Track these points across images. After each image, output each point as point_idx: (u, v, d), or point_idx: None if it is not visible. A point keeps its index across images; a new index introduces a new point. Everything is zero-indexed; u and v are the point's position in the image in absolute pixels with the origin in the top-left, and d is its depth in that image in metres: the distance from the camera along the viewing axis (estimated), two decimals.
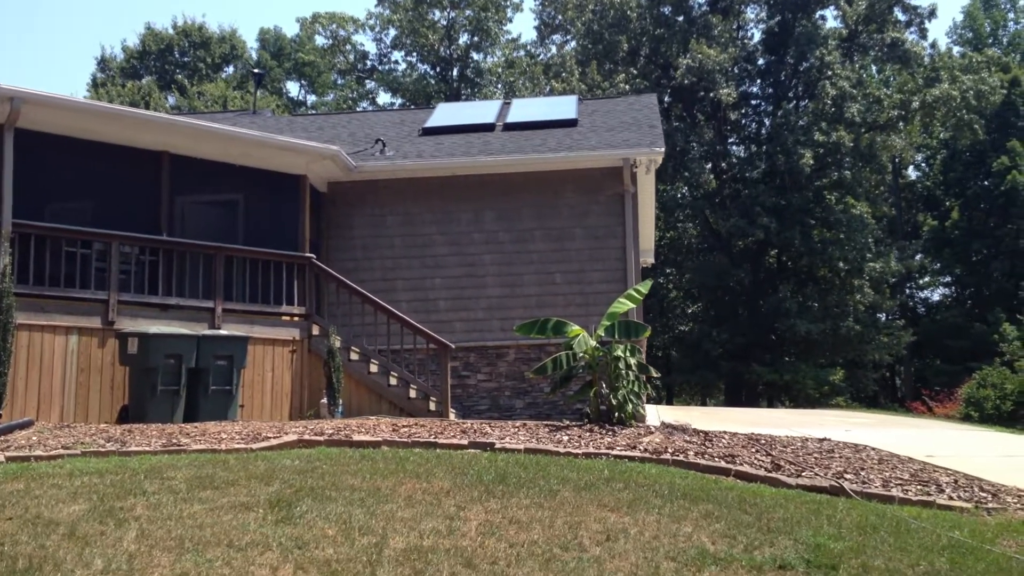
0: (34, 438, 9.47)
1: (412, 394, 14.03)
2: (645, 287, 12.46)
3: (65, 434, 9.76)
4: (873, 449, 10.49)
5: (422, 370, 14.39)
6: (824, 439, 11.18)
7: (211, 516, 6.31)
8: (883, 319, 41.84)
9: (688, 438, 10.28)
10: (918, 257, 43.82)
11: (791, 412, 22.24)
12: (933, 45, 43.66)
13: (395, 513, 6.48)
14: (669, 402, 41.40)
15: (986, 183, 45.11)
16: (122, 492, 6.95)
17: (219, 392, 12.31)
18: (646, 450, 9.37)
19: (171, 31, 53.77)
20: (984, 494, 8.11)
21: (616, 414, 11.11)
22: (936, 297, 50.46)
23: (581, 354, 11.45)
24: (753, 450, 9.75)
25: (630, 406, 11.17)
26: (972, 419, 22.09)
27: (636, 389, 11.30)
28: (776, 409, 30.89)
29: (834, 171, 38.82)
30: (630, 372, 11.32)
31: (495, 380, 15.87)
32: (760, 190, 37.12)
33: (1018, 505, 7.77)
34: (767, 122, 41.92)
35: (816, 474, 8.62)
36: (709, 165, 40.57)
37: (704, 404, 44.63)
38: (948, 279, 48.38)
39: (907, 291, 48.57)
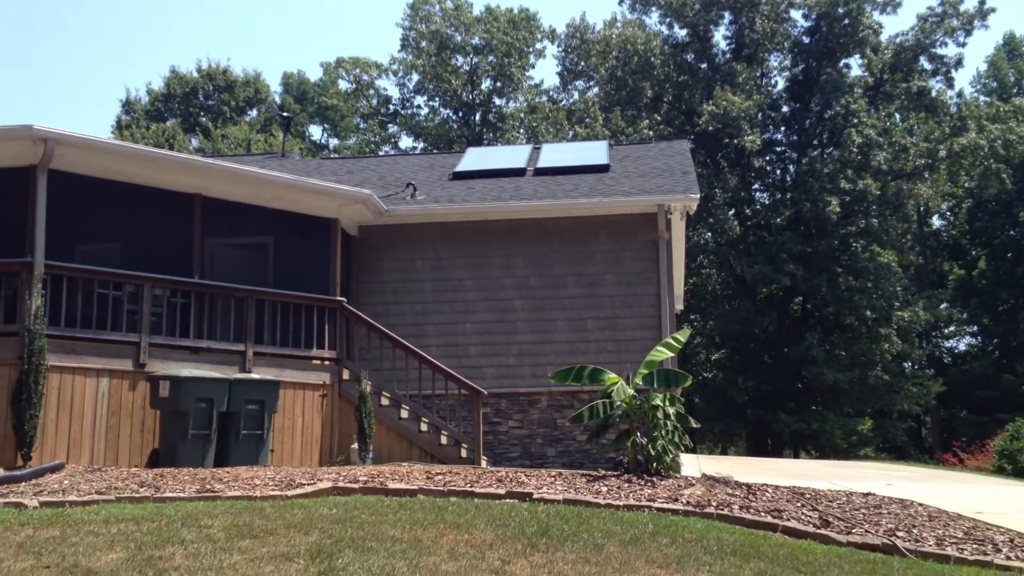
0: (66, 482, 9.34)
1: (443, 440, 13.85)
2: (684, 335, 12.28)
3: (97, 478, 9.63)
4: (920, 504, 10.23)
5: (452, 416, 14.21)
6: (869, 493, 10.92)
7: (252, 567, 6.14)
8: (910, 368, 41.39)
9: (731, 491, 10.04)
10: (944, 306, 43.41)
11: (827, 464, 21.88)
12: (959, 94, 43.60)
13: (439, 567, 6.30)
14: (692, 451, 40.91)
15: (1012, 232, 44.80)
16: (160, 540, 6.80)
17: (250, 436, 12.16)
18: (688, 503, 9.14)
19: (196, 74, 54.32)
20: None
21: (654, 464, 10.89)
22: (962, 347, 49.98)
23: (619, 403, 11.26)
24: (799, 504, 9.51)
25: (669, 457, 10.96)
26: (1005, 471, 21.67)
27: (675, 439, 11.09)
28: (810, 460, 30.47)
29: (861, 219, 38.62)
30: (668, 422, 11.12)
31: (527, 427, 15.66)
32: (786, 237, 36.93)
33: None
34: (792, 169, 41.82)
35: (867, 531, 8.37)
36: (733, 211, 40.45)
37: (725, 453, 44.13)
38: (975, 328, 47.89)
39: (934, 340, 48.10)
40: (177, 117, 52.49)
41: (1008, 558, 7.71)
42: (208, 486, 9.29)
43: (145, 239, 13.81)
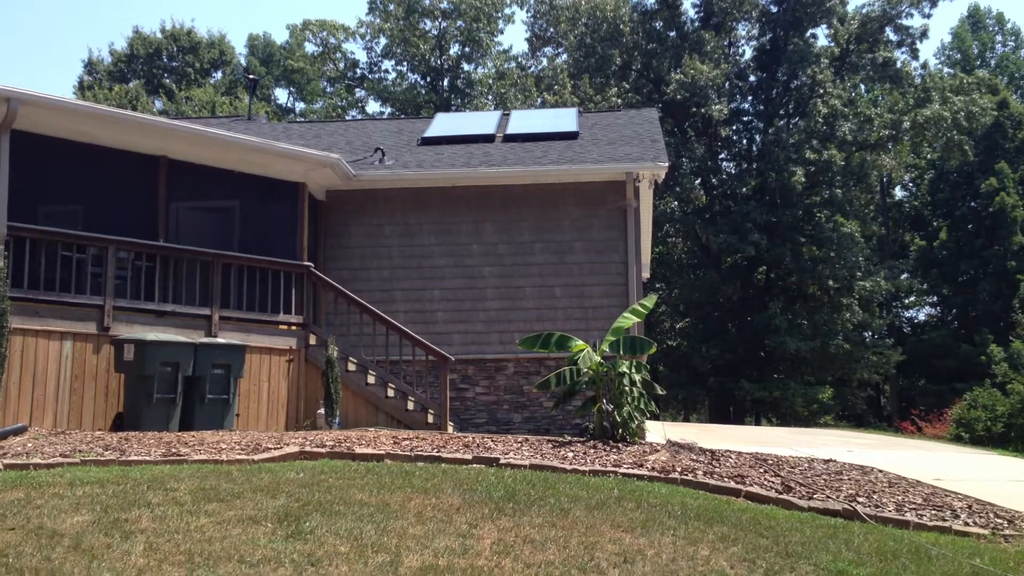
0: (30, 445, 9.27)
1: (410, 406, 13.87)
2: (650, 302, 12.32)
3: (61, 441, 9.57)
4: (880, 471, 10.40)
5: (420, 382, 14.23)
6: (830, 460, 11.09)
7: (219, 530, 6.15)
8: (871, 337, 41.93)
9: (695, 457, 10.16)
10: (905, 276, 43.96)
11: (789, 431, 22.16)
12: (924, 66, 43.93)
13: (406, 530, 6.34)
14: (657, 418, 41.27)
15: (974, 204, 45.35)
16: (126, 503, 6.78)
17: (215, 401, 12.11)
18: (653, 468, 9.23)
19: (159, 35, 53.45)
20: (1000, 520, 8.01)
21: (619, 431, 10.97)
22: (922, 317, 50.63)
23: (585, 370, 11.31)
24: (761, 471, 9.64)
25: (634, 423, 11.05)
26: (963, 440, 22.04)
27: (641, 406, 11.17)
28: (772, 428, 30.84)
29: (825, 189, 38.95)
30: (635, 389, 11.19)
31: (494, 394, 15.72)
32: (751, 207, 37.17)
33: None
34: (758, 139, 42.02)
35: (828, 496, 8.51)
36: (699, 181, 40.61)
37: (688, 420, 44.55)
38: (935, 299, 48.54)
39: (894, 310, 48.70)
40: (140, 78, 51.69)
41: (966, 524, 7.87)
42: (174, 450, 9.26)
43: (109, 201, 13.65)
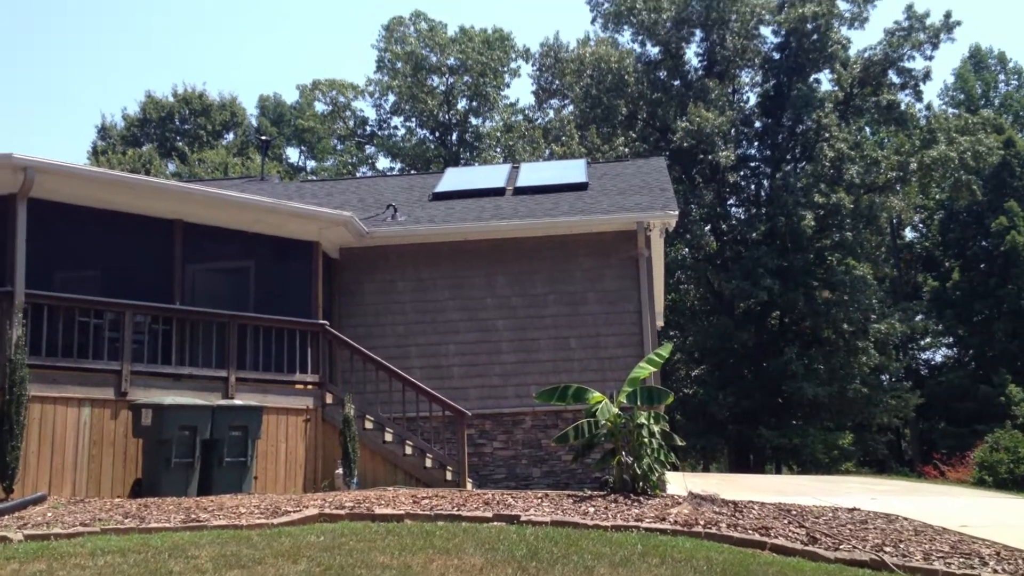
0: (49, 514, 9.24)
1: (428, 463, 13.80)
2: (666, 351, 12.30)
3: (80, 509, 9.54)
4: (906, 519, 10.28)
5: (437, 438, 14.17)
6: (854, 508, 10.97)
7: None
8: (888, 381, 41.60)
9: (717, 509, 10.06)
10: (920, 318, 43.72)
11: (811, 479, 21.95)
12: (928, 107, 44.13)
13: None
14: (677, 468, 40.95)
15: (984, 243, 45.20)
16: (147, 572, 6.75)
17: (234, 464, 12.08)
18: (675, 522, 9.15)
19: (171, 99, 54.14)
20: None
21: (640, 484, 10.89)
22: (939, 358, 50.26)
23: (603, 422, 11.26)
24: (785, 521, 9.54)
25: (655, 475, 10.98)
26: (986, 483, 21.78)
27: (661, 457, 11.11)
28: (794, 476, 30.57)
29: (835, 232, 38.92)
30: (653, 440, 11.13)
31: (512, 448, 15.64)
32: (762, 251, 37.14)
33: None
34: (766, 184, 42.11)
35: (854, 547, 8.41)
36: (709, 227, 40.66)
37: (708, 470, 44.15)
38: (951, 340, 48.19)
39: (910, 352, 48.38)
40: (153, 142, 52.25)
41: (995, 571, 7.77)
42: (193, 515, 9.22)
43: (125, 265, 13.75)
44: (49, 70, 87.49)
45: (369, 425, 13.97)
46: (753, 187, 43.53)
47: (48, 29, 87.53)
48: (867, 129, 46.63)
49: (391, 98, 51.85)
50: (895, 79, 41.71)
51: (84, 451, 11.60)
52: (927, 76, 41.49)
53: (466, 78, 50.17)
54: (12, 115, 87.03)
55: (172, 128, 53.72)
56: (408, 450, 13.88)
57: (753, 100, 44.16)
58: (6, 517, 9.23)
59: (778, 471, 38.79)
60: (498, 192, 18.42)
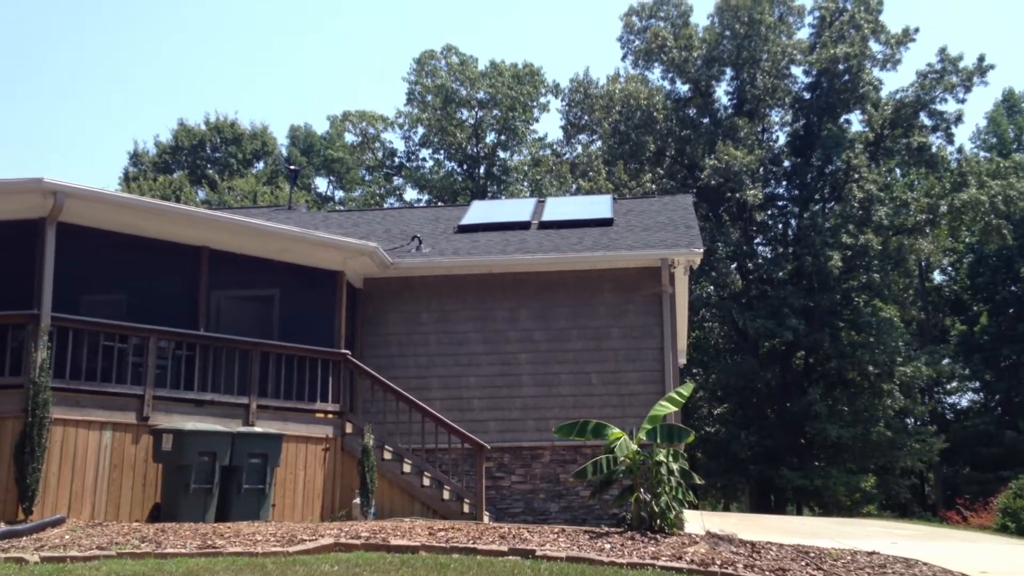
0: (67, 537, 9.29)
1: (445, 495, 13.78)
2: (687, 390, 12.25)
3: (98, 533, 9.59)
4: (925, 564, 10.13)
5: (455, 470, 14.14)
6: (873, 552, 10.82)
7: None
8: (913, 424, 41.17)
9: (735, 549, 9.97)
10: (946, 362, 43.30)
11: (831, 522, 21.70)
12: (959, 150, 43.87)
13: None
14: (695, 507, 40.63)
15: (1014, 288, 44.83)
16: None
17: (252, 491, 12.10)
18: (692, 561, 9.07)
19: (203, 127, 54.81)
20: None
21: (657, 521, 10.81)
22: (965, 403, 49.71)
23: (622, 458, 11.20)
24: (803, 563, 9.43)
25: (672, 513, 10.89)
26: (1009, 530, 21.45)
27: (679, 496, 11.03)
28: (814, 518, 30.20)
29: (862, 273, 38.70)
30: (672, 478, 11.06)
31: (530, 482, 15.59)
32: (788, 291, 36.97)
33: None
34: (794, 223, 42.01)
35: None
36: (735, 265, 40.56)
37: (728, 509, 43.73)
38: (977, 384, 47.68)
39: (936, 396, 47.89)
40: (184, 169, 52.86)
41: None
42: (209, 542, 9.24)
43: (151, 291, 13.88)
44: (84, 97, 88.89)
45: (388, 455, 13.97)
46: (780, 226, 43.43)
47: (84, 56, 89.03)
48: (897, 171, 46.48)
49: (420, 130, 52.27)
50: (927, 121, 41.56)
51: (104, 474, 11.67)
52: (959, 119, 41.32)
53: (495, 112, 50.51)
54: (46, 140, 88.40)
55: (203, 156, 54.35)
56: (426, 481, 13.86)
57: (783, 139, 44.20)
58: (24, 538, 9.29)
59: (799, 512, 38.38)
60: (523, 226, 18.49)
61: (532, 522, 14.48)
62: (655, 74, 45.55)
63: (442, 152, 52.22)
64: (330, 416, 14.08)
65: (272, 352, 13.65)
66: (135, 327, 12.43)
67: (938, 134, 41.90)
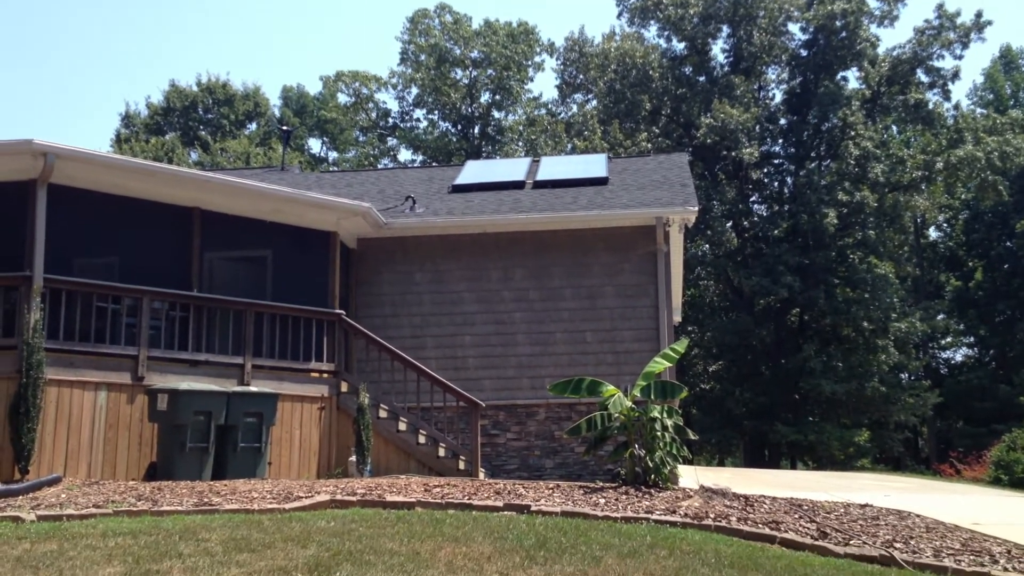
0: (63, 495, 9.34)
1: (441, 453, 13.85)
2: (681, 346, 12.28)
3: (95, 491, 9.63)
4: (917, 516, 10.23)
5: (451, 428, 14.22)
6: (866, 505, 10.93)
7: None
8: (907, 379, 41.39)
9: (728, 503, 10.05)
10: (941, 317, 43.46)
11: (825, 475, 21.87)
12: (956, 107, 43.72)
13: None
14: (690, 462, 40.90)
15: (1009, 244, 44.88)
16: (157, 554, 6.80)
17: (248, 449, 12.16)
18: (686, 515, 9.15)
19: (195, 88, 54.40)
20: None
21: (652, 476, 10.90)
22: (959, 358, 49.97)
23: (616, 415, 11.27)
24: (796, 516, 9.51)
25: (667, 469, 10.98)
26: (1002, 482, 21.68)
27: (673, 451, 11.11)
28: (808, 472, 30.44)
29: (858, 230, 38.71)
30: (666, 434, 11.13)
31: (525, 439, 15.67)
32: (783, 249, 37.00)
33: None
34: (790, 181, 41.93)
35: (864, 542, 8.37)
36: (730, 223, 40.52)
37: (722, 464, 44.07)
38: (971, 340, 47.90)
39: (930, 352, 48.11)
40: (176, 131, 52.56)
41: (1006, 569, 7.72)
42: (206, 499, 9.29)
43: (144, 252, 13.83)
44: (75, 59, 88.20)
45: (383, 414, 14.03)
46: (776, 184, 43.36)
47: (75, 18, 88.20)
48: (894, 128, 46.32)
49: (414, 90, 51.98)
50: (923, 78, 41.40)
51: (100, 434, 11.71)
52: (956, 76, 41.15)
53: (489, 71, 50.21)
54: (37, 102, 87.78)
55: (195, 117, 54.00)
56: (422, 439, 13.93)
57: (779, 97, 44.00)
58: (21, 497, 9.33)
59: (793, 467, 38.69)
60: (518, 185, 18.42)
61: (527, 478, 14.55)
62: (651, 32, 45.29)
63: (436, 112, 51.98)
64: (325, 375, 14.11)
65: (266, 312, 13.65)
66: (128, 288, 12.40)
67: (935, 91, 41.78)
